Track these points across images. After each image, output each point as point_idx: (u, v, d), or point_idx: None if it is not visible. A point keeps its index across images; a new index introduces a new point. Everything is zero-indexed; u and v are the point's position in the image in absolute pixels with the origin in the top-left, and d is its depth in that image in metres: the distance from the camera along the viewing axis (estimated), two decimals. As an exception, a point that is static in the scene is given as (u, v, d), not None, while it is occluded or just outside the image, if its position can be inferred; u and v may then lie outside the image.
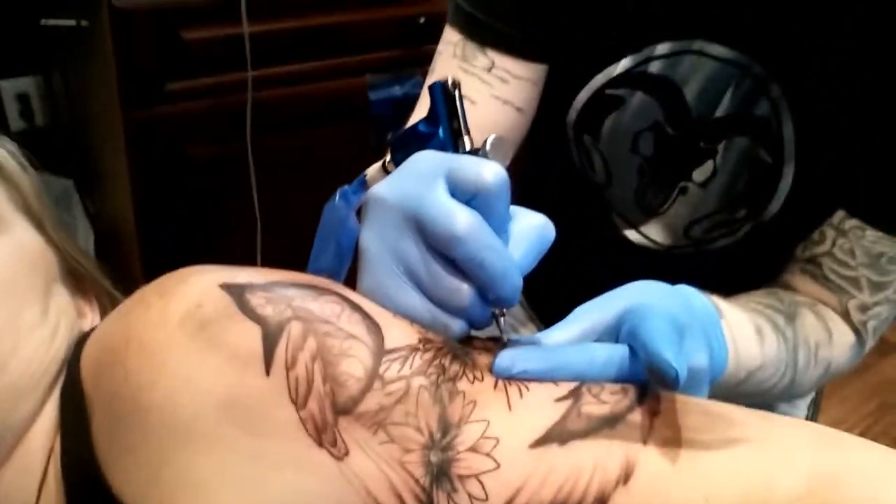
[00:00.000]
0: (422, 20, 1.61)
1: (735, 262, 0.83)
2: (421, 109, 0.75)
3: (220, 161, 1.48)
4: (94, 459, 0.42)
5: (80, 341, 0.48)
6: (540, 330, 1.00)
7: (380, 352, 0.41)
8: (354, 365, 0.40)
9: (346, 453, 0.39)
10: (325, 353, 0.40)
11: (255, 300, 0.41)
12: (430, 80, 0.78)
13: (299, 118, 1.54)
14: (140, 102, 1.40)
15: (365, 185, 0.53)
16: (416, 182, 0.44)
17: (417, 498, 0.39)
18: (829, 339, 0.75)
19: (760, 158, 0.75)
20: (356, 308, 0.43)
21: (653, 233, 0.85)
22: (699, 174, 0.78)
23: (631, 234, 0.86)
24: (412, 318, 0.44)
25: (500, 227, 0.44)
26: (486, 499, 0.39)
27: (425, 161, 0.45)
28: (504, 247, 0.43)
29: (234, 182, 1.48)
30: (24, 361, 0.47)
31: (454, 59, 0.78)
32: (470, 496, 0.39)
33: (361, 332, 0.42)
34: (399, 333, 0.43)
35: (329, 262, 0.55)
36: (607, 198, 0.85)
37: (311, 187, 1.60)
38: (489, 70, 0.76)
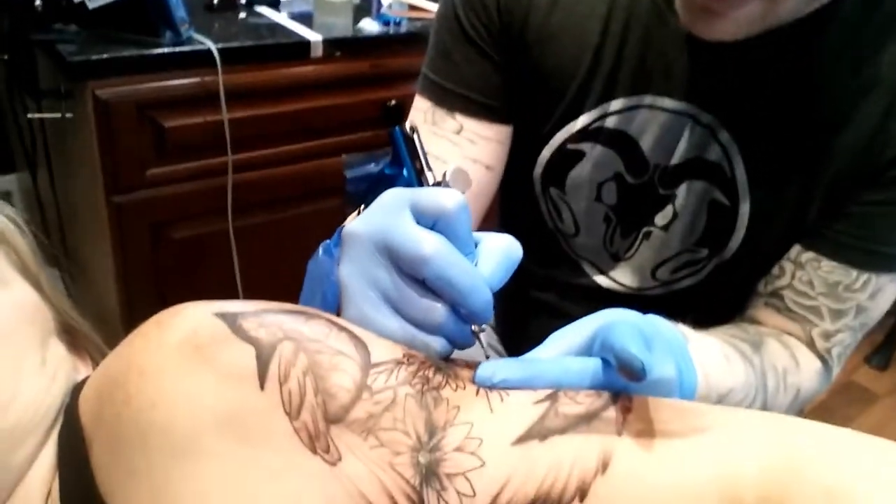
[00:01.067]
0: (392, 103, 1.66)
1: (702, 299, 0.86)
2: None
3: (203, 240, 1.50)
4: (94, 491, 0.43)
5: (76, 389, 0.50)
6: None
7: (367, 365, 0.43)
8: (344, 377, 0.42)
9: (339, 458, 0.41)
10: (316, 367, 0.42)
11: (248, 324, 0.43)
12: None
13: (278, 198, 1.57)
14: (123, 188, 1.42)
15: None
16: (384, 214, 0.46)
17: (409, 497, 0.41)
18: (797, 365, 0.77)
19: (717, 200, 0.78)
20: (342, 329, 0.45)
21: (621, 277, 0.88)
22: (660, 218, 0.81)
23: (601, 280, 0.89)
24: (394, 341, 0.46)
25: (464, 247, 0.46)
26: (474, 495, 0.40)
27: (391, 196, 0.47)
28: (470, 263, 0.46)
29: (217, 260, 1.50)
30: (24, 406, 0.48)
31: (425, 124, 0.82)
32: (458, 493, 0.41)
33: (349, 349, 0.44)
34: (384, 350, 0.45)
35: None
36: (576, 246, 0.88)
37: (292, 262, 1.62)
38: (458, 132, 0.80)
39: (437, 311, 0.46)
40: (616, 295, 0.88)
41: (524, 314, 0.99)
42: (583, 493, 0.41)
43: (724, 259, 0.81)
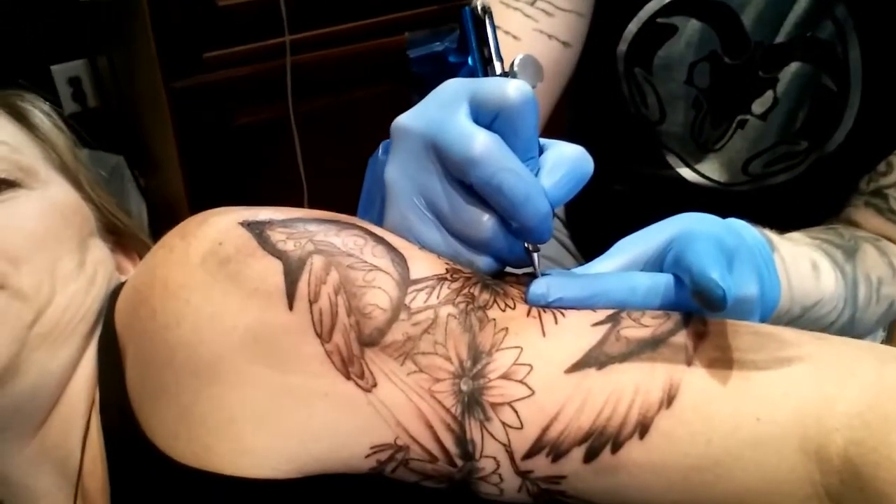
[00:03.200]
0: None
1: (795, 198, 0.77)
2: None
3: (263, 126, 1.44)
4: (128, 404, 0.41)
5: (116, 292, 0.47)
6: None
7: (405, 282, 0.39)
8: (379, 296, 0.38)
9: (374, 384, 0.37)
10: (349, 285, 0.38)
11: (276, 236, 0.39)
12: None
13: (339, 80, 1.49)
14: (180, 73, 1.37)
15: None
16: (439, 108, 0.40)
17: (449, 427, 0.37)
18: (893, 275, 0.69)
19: (824, 85, 0.68)
20: (380, 240, 0.40)
21: (709, 170, 0.79)
22: (758, 105, 0.72)
23: (685, 173, 0.80)
24: (437, 254, 0.41)
25: (525, 150, 0.39)
26: (521, 426, 0.37)
27: (450, 87, 0.41)
28: (526, 170, 0.39)
29: (278, 146, 1.45)
30: (60, 309, 0.47)
31: None
32: (504, 424, 0.37)
33: (385, 264, 0.39)
34: (425, 265, 0.40)
35: (375, 217, 0.52)
36: (660, 135, 0.79)
37: (355, 148, 1.56)
38: (532, 3, 0.71)
39: (484, 224, 0.40)
40: (701, 190, 0.79)
41: (598, 208, 0.90)
42: (644, 427, 0.36)
43: (825, 153, 0.72)
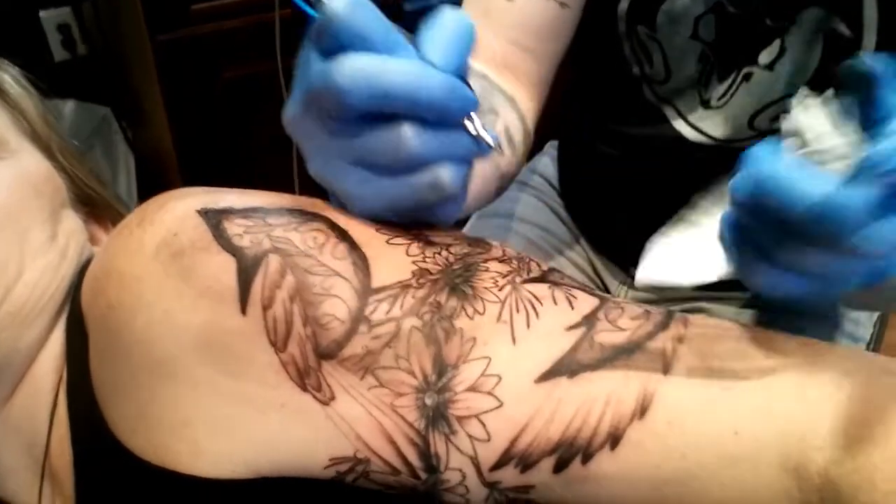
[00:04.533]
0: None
1: None
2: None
3: (252, 80, 1.40)
4: (91, 391, 0.40)
5: (86, 266, 0.46)
6: (589, 256, 0.91)
7: (366, 291, 0.36)
8: (337, 306, 0.36)
9: (332, 398, 0.35)
10: (305, 292, 0.36)
11: (233, 228, 0.37)
12: None
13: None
14: (166, 25, 1.32)
15: None
16: (297, 79, 0.36)
17: (411, 441, 0.35)
18: None
19: (836, 31, 0.64)
20: (343, 236, 0.38)
21: (711, 127, 0.75)
22: (765, 56, 0.68)
23: (686, 130, 0.77)
24: (393, 208, 0.37)
25: (385, 47, 0.34)
26: (489, 438, 0.35)
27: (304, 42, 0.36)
28: (396, 59, 0.33)
29: (266, 101, 1.40)
30: (30, 286, 0.44)
31: None
32: (470, 437, 0.35)
33: (346, 268, 0.37)
34: (390, 269, 0.37)
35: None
36: (665, 92, 0.75)
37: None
38: None
39: (405, 136, 0.34)
40: (701, 147, 0.75)
41: (591, 174, 0.87)
42: (615, 439, 0.34)
43: None
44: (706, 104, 0.74)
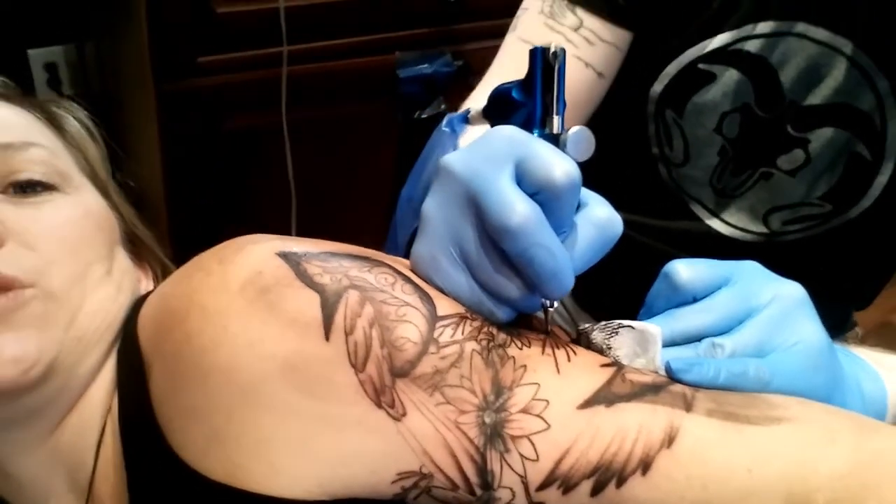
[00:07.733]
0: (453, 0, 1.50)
1: (805, 257, 0.75)
2: (498, 65, 0.71)
3: (254, 134, 1.38)
4: (152, 418, 0.41)
5: (137, 305, 0.48)
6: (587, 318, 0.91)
7: (433, 318, 0.40)
8: (410, 330, 0.39)
9: (404, 414, 0.38)
10: (382, 318, 0.39)
11: (312, 269, 0.40)
12: (510, 37, 0.71)
13: (332, 92, 1.44)
14: (173, 75, 1.30)
15: (468, 120, 0.52)
16: (486, 162, 0.40)
17: (471, 458, 0.38)
18: None
19: (858, 153, 0.67)
20: (407, 280, 0.42)
21: (726, 216, 0.76)
22: (787, 162, 0.70)
23: (701, 213, 0.78)
24: (458, 299, 0.42)
25: (560, 224, 0.40)
26: (538, 458, 0.38)
27: (500, 140, 0.41)
28: (559, 245, 0.39)
29: (265, 154, 1.39)
30: (90, 315, 0.47)
31: (541, 15, 0.70)
32: (522, 456, 0.38)
33: (415, 300, 0.40)
34: (447, 303, 0.41)
35: (417, 190, 0.51)
36: (679, 176, 0.77)
37: (343, 160, 1.51)
38: (576, 29, 0.69)
39: (513, 287, 0.41)
40: (708, 237, 0.77)
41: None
42: (646, 465, 0.37)
43: (847, 218, 0.71)
44: (720, 193, 0.76)
